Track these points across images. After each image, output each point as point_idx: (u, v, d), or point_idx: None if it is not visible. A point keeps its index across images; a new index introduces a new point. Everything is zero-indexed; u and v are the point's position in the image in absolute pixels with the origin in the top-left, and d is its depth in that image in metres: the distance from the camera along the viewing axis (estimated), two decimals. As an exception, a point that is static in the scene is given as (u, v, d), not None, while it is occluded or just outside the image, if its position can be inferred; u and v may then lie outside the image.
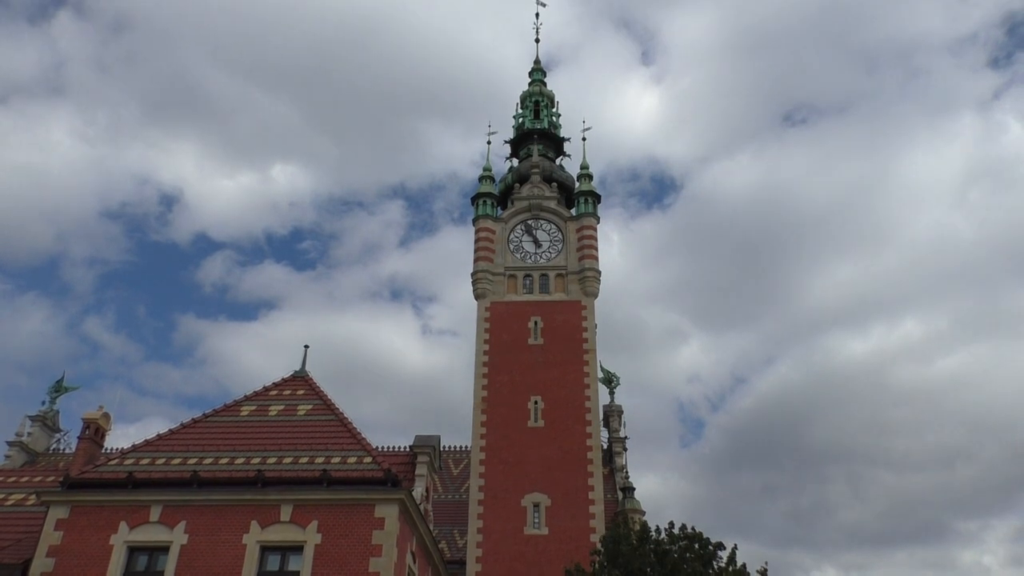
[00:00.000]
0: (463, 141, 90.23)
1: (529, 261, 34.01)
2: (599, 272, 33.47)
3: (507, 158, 40.01)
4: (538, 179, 36.20)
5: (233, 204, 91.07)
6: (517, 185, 36.32)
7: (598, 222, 35.20)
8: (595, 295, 32.87)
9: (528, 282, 33.22)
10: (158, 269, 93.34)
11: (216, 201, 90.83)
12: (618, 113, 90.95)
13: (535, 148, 38.07)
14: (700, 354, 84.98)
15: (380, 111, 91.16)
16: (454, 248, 79.14)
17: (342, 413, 21.09)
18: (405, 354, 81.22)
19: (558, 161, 39.45)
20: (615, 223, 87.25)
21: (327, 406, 21.35)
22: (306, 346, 24.32)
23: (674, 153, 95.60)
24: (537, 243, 34.43)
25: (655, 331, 79.57)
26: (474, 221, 35.28)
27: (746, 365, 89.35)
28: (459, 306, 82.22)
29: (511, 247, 34.42)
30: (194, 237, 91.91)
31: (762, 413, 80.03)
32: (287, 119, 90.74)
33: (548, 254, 34.23)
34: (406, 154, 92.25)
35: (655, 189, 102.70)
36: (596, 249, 34.10)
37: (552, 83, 42.27)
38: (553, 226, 34.94)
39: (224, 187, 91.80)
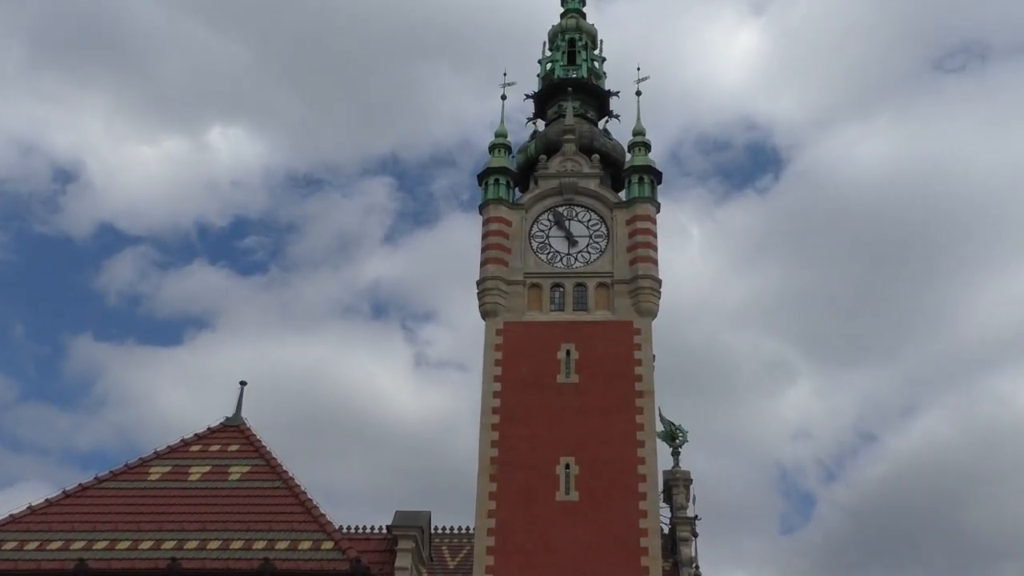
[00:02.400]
0: (480, 96, 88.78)
1: (559, 265, 33.90)
2: (659, 281, 33.24)
3: (529, 119, 39.87)
4: (573, 149, 35.90)
5: (153, 182, 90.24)
6: (543, 158, 36.08)
7: (658, 210, 34.94)
8: (653, 314, 32.65)
9: (558, 295, 33.31)
10: (44, 272, 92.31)
11: (130, 177, 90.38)
12: (699, 59, 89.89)
13: (569, 105, 37.83)
14: (811, 399, 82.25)
15: (367, 54, 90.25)
16: (461, 245, 77.81)
17: (293, 478, 21.48)
18: (390, 394, 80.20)
19: (602, 124, 39.36)
20: (694, 210, 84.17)
21: (271, 468, 21.78)
22: (242, 383, 24.72)
23: (779, 113, 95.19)
24: (571, 239, 34.32)
25: (747, 365, 77.58)
26: (481, 208, 35.23)
27: (877, 416, 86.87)
28: (466, 328, 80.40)
29: (534, 245, 34.31)
30: (97, 228, 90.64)
31: (900, 485, 76.36)
32: (235, 64, 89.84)
33: (587, 255, 34.10)
34: (400, 114, 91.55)
35: (751, 163, 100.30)
36: (655, 248, 33.72)
37: (601, 17, 42.58)
38: (594, 216, 34.66)
39: (142, 158, 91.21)
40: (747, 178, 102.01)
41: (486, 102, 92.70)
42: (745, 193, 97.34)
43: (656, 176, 35.62)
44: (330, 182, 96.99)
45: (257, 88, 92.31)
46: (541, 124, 39.52)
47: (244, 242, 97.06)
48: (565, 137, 36.33)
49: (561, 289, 33.38)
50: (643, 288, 32.82)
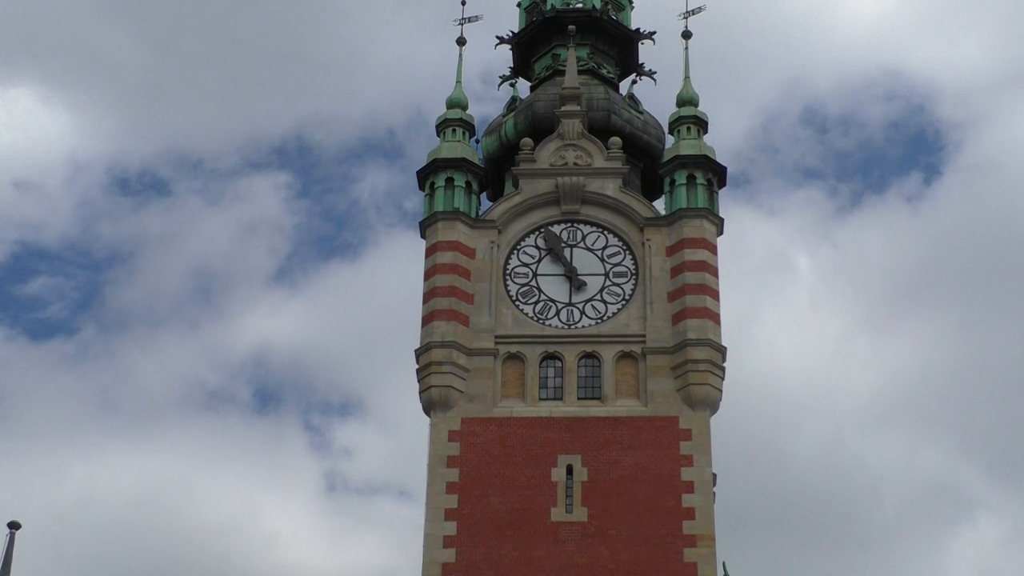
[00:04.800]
0: (438, 42, 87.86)
1: (554, 323, 33.28)
2: (722, 350, 32.18)
3: (504, 78, 39.95)
4: (577, 128, 35.45)
5: None
6: (527, 143, 35.62)
7: (719, 231, 34.51)
8: (713, 405, 31.82)
9: (553, 372, 32.78)
10: None
11: None
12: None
13: (572, 55, 37.15)
14: (1001, 548, 76.46)
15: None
16: (402, 288, 74.92)
17: None
18: (286, 541, 75.86)
19: (625, 87, 39.43)
20: (800, 230, 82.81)
21: None
22: (13, 525, 25.41)
23: (944, 69, 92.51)
24: (573, 280, 33.76)
25: (891, 492, 73.53)
26: (424, 227, 34.84)
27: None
28: (409, 429, 78.57)
29: (512, 289, 33.91)
30: None
31: None
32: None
33: (600, 306, 33.39)
34: (309, 71, 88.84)
35: (896, 152, 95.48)
36: (715, 294, 33.30)
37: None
38: (612, 240, 34.34)
39: None
40: (888, 176, 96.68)
41: (446, 51, 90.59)
42: (885, 201, 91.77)
43: (717, 174, 35.09)
44: (187, 183, 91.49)
45: (65, 20, 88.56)
46: (525, 87, 39.40)
47: (34, 285, 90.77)
48: (565, 109, 35.66)
49: (558, 363, 32.75)
50: (696, 362, 31.88)
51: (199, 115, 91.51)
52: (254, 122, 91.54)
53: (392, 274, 72.90)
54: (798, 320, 64.26)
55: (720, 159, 35.06)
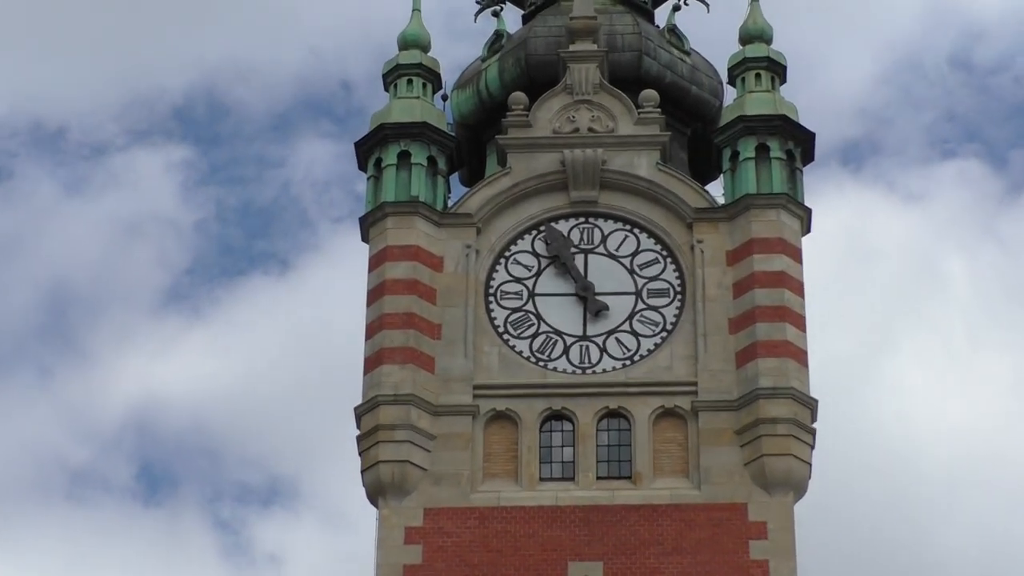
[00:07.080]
0: None
1: (563, 366, 33.06)
2: (812, 404, 31.70)
3: (483, 5, 40.95)
4: (594, 78, 35.70)
5: None
6: (519, 98, 36.17)
7: (806, 228, 34.65)
8: (797, 487, 31.46)
9: (558, 440, 32.54)
10: None
11: None
12: None
13: None
14: None
15: None
16: (351, 311, 74.75)
17: None
18: None
19: (662, 17, 40.38)
20: (950, 221, 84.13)
21: None
22: None
23: None
24: (589, 302, 33.69)
25: None
26: (365, 226, 35.20)
27: None
28: (363, 523, 78.86)
29: (499, 315, 33.90)
30: None
31: None
32: None
33: (629, 340, 33.06)
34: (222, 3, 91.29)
35: None
36: (801, 323, 33.08)
37: None
38: (645, 242, 34.38)
39: None
40: None
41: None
42: None
43: (801, 143, 35.24)
44: (38, 163, 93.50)
45: None
46: (516, 17, 40.72)
47: None
48: (575, 48, 35.98)
49: (568, 426, 32.54)
50: (773, 422, 31.43)
51: (59, 64, 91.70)
52: (141, 73, 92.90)
53: (338, 294, 70.99)
54: (947, 355, 63.69)
55: (817, 120, 35.95)
